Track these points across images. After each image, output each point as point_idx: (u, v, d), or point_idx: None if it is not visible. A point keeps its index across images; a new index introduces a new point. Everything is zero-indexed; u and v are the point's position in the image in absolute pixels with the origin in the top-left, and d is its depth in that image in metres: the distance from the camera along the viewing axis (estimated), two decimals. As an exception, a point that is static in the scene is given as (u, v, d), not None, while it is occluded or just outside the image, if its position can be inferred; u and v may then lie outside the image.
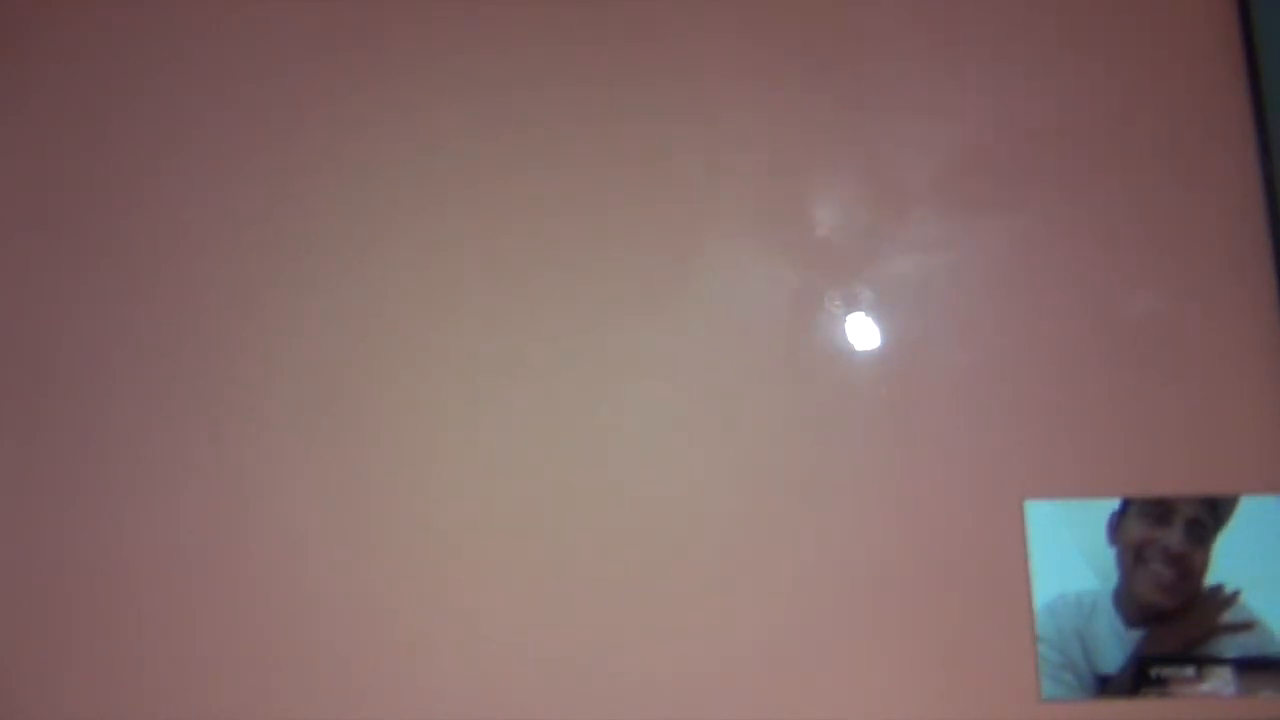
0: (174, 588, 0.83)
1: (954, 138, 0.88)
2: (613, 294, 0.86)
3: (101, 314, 0.88)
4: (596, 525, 0.83)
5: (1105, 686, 0.79)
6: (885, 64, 0.89)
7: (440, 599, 0.82)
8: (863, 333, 0.85)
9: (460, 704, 0.81)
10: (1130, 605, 0.80)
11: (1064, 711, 0.79)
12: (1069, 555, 0.80)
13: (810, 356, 0.85)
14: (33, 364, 0.88)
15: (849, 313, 0.86)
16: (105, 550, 0.84)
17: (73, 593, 0.84)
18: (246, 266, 0.88)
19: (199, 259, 0.89)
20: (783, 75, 0.89)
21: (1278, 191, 0.84)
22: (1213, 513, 0.80)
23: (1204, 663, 0.79)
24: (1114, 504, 0.81)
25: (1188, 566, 0.80)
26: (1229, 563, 0.80)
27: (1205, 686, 0.79)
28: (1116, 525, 0.81)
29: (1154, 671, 0.79)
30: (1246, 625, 0.79)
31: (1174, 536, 0.80)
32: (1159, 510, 0.81)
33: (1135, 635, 0.79)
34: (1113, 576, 0.80)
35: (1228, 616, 0.79)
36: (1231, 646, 0.79)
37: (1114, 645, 0.79)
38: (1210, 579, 0.80)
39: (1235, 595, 0.79)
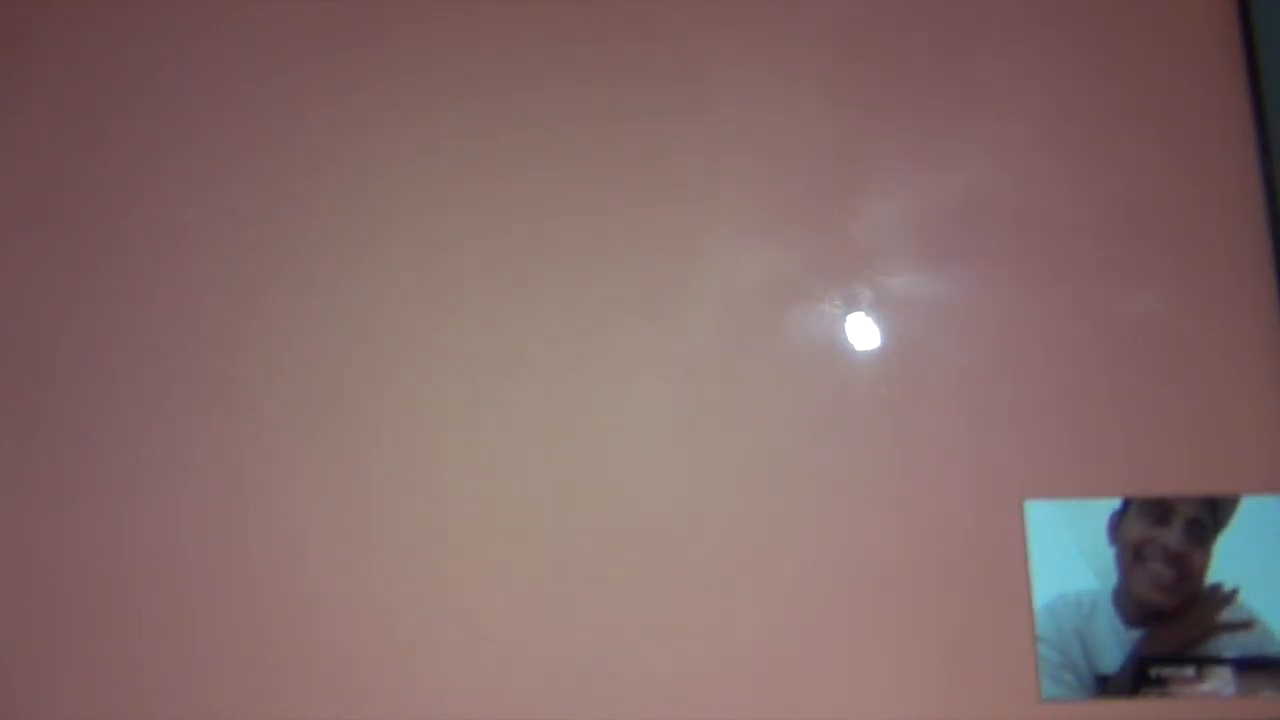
0: (174, 588, 0.83)
1: (954, 138, 0.88)
2: (613, 294, 0.86)
3: (101, 314, 0.88)
4: (596, 525, 0.83)
5: (1105, 686, 0.79)
6: (885, 64, 0.89)
7: (440, 599, 0.82)
8: (863, 333, 0.85)
9: (460, 704, 0.81)
10: (1129, 605, 0.80)
11: (1064, 711, 0.79)
12: (1069, 555, 0.80)
13: (810, 356, 0.85)
14: (33, 364, 0.88)
15: (849, 313, 0.86)
16: (105, 550, 0.84)
17: (73, 593, 0.84)
18: (246, 266, 0.88)
19: (199, 259, 0.89)
20: (782, 75, 0.89)
21: (1278, 191, 0.84)
22: (1213, 513, 0.80)
23: (1204, 663, 0.79)
24: (1114, 504, 0.81)
25: (1187, 566, 0.80)
26: (1229, 563, 0.80)
27: (1205, 686, 0.79)
28: (1117, 525, 0.81)
29: (1154, 671, 0.79)
30: (1245, 624, 0.79)
31: (1173, 536, 0.80)
32: (1159, 510, 0.81)
33: (1135, 635, 0.79)
34: (1112, 576, 0.80)
35: (1226, 615, 0.79)
36: (1231, 646, 0.79)
37: (1114, 645, 0.79)
38: (1210, 579, 0.80)
39: (1234, 594, 0.79)
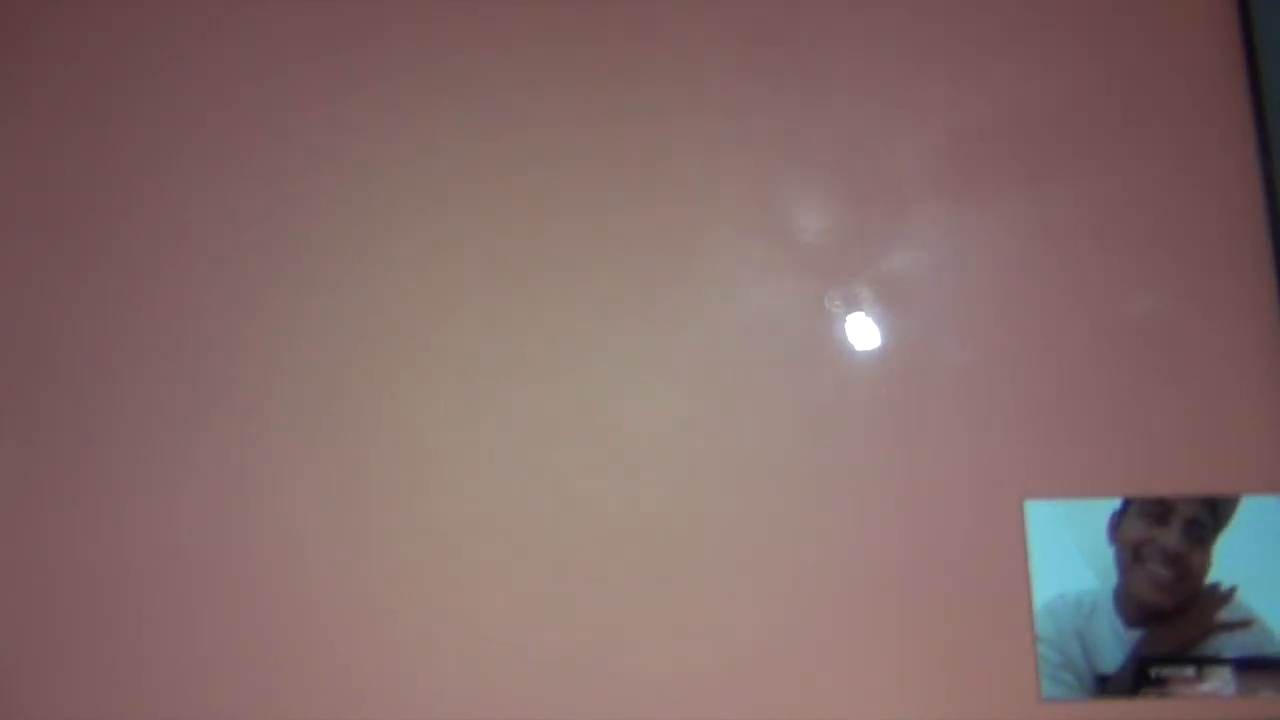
0: (174, 588, 0.83)
1: (954, 138, 0.88)
2: (613, 294, 0.86)
3: (101, 314, 0.88)
4: (596, 525, 0.83)
5: (1105, 686, 0.79)
6: (885, 64, 0.89)
7: (440, 599, 0.82)
8: (863, 333, 0.85)
9: (460, 704, 0.81)
10: (1129, 605, 0.80)
11: (1064, 711, 0.79)
12: (1069, 555, 0.80)
13: (810, 356, 0.85)
14: (33, 364, 0.88)
15: (849, 313, 0.86)
16: (105, 550, 0.84)
17: (73, 593, 0.84)
18: (246, 266, 0.88)
19: (199, 259, 0.89)
20: (783, 75, 0.89)
21: (1278, 191, 0.84)
22: (1213, 513, 0.80)
23: (1203, 663, 0.79)
24: (1114, 504, 0.81)
25: (1185, 567, 0.80)
26: (1229, 563, 0.80)
27: (1205, 686, 0.79)
28: (1117, 525, 0.81)
29: (1154, 671, 0.79)
30: (1244, 623, 0.79)
31: (1172, 537, 0.80)
32: (1158, 510, 0.81)
33: (1135, 635, 0.79)
34: (1112, 576, 0.80)
35: (1225, 614, 0.79)
36: (1231, 646, 0.79)
37: (1114, 645, 0.79)
38: (1210, 579, 0.80)
39: (1231, 592, 0.79)
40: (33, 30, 0.93)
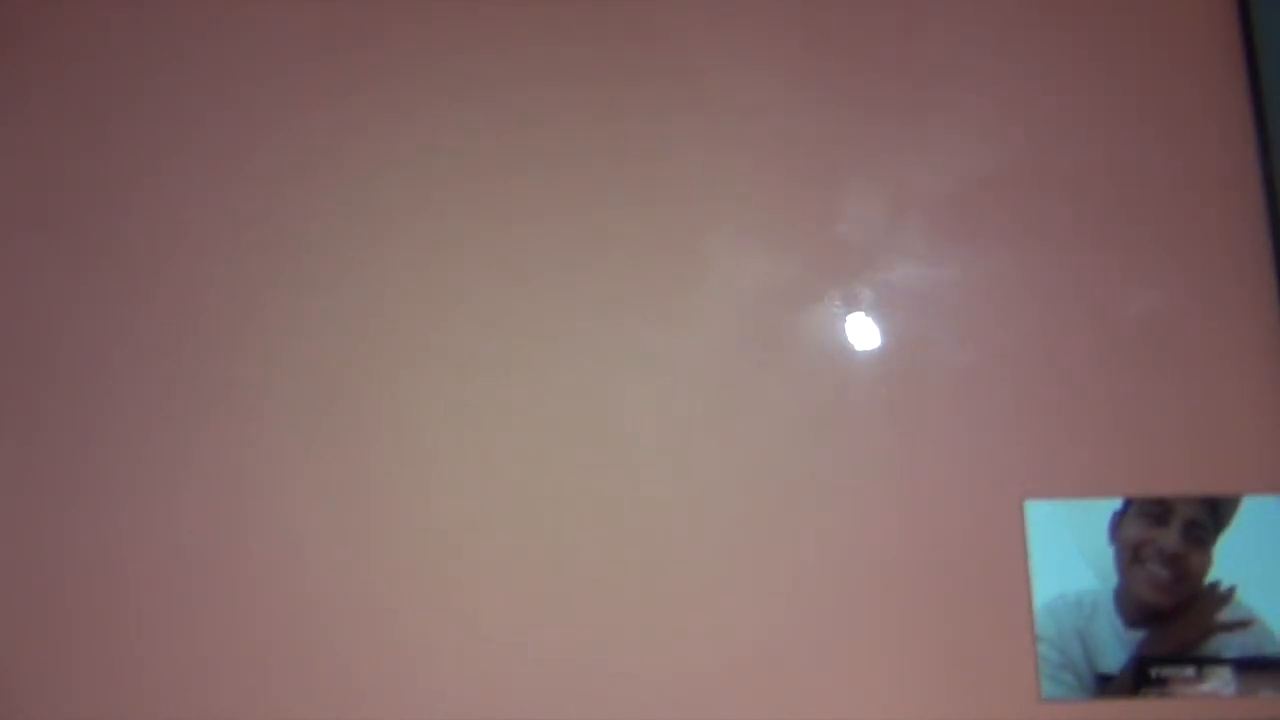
0: (174, 588, 0.83)
1: (955, 138, 0.88)
2: (613, 293, 0.86)
3: (101, 314, 0.88)
4: (596, 525, 0.83)
5: (1105, 686, 0.79)
6: (886, 64, 0.89)
7: (440, 599, 0.82)
8: (863, 333, 0.85)
9: (460, 704, 0.81)
10: (1129, 605, 0.80)
11: (1064, 711, 0.79)
12: (1069, 555, 0.80)
13: (810, 356, 0.85)
14: (33, 364, 0.88)
15: (849, 313, 0.86)
16: (105, 550, 0.84)
17: (73, 593, 0.84)
18: (246, 266, 0.88)
19: (199, 259, 0.89)
20: (783, 74, 0.89)
21: (1278, 191, 0.84)
22: (1213, 514, 0.80)
23: (1204, 663, 0.79)
24: (1114, 504, 0.81)
25: (1184, 568, 0.80)
26: (1229, 563, 0.80)
27: (1205, 686, 0.79)
28: (1118, 524, 0.81)
29: (1154, 671, 0.79)
30: (1244, 623, 0.79)
31: (1170, 538, 0.80)
32: (1158, 510, 0.81)
33: (1135, 635, 0.79)
34: (1112, 576, 0.80)
35: (1225, 614, 0.79)
36: (1231, 646, 0.79)
37: (1114, 645, 0.79)
38: (1210, 579, 0.80)
39: (1230, 591, 0.79)
40: (33, 30, 0.93)
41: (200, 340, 0.87)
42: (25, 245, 0.90)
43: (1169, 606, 0.80)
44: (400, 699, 0.81)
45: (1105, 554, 0.80)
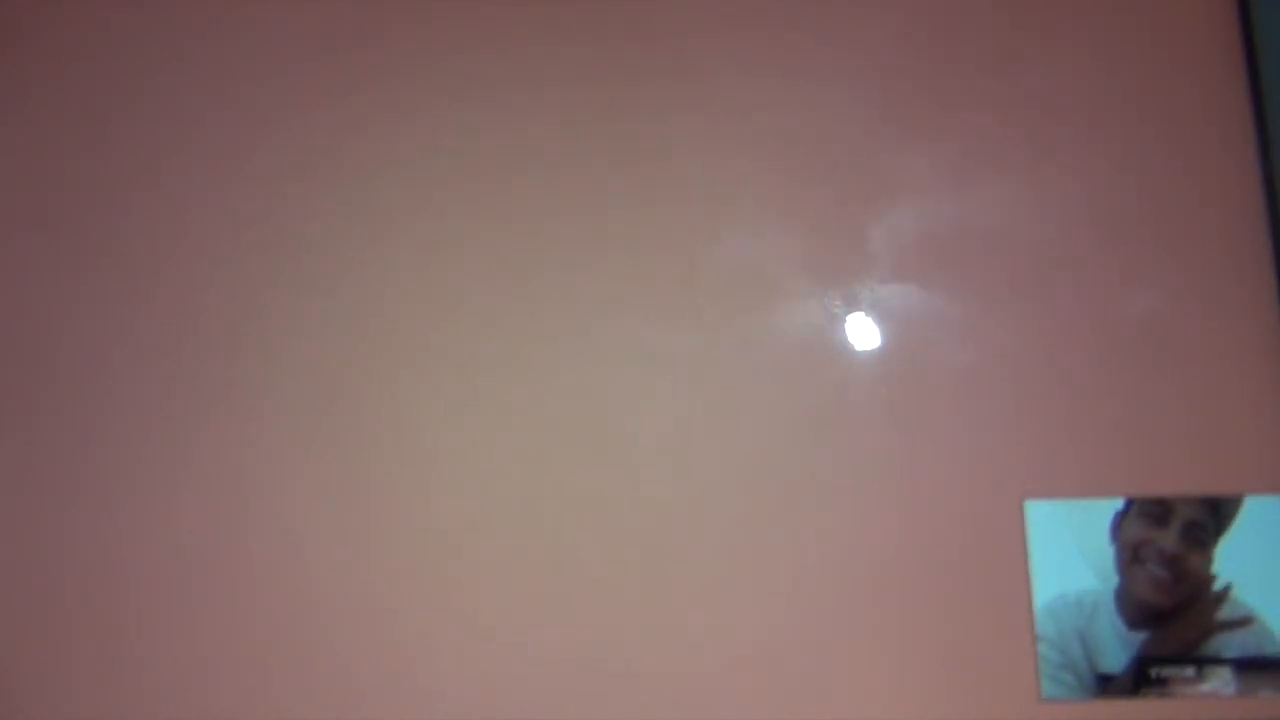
0: (174, 588, 0.83)
1: (955, 138, 0.88)
2: (613, 294, 0.86)
3: (101, 314, 0.88)
4: (596, 525, 0.83)
5: (1105, 686, 0.79)
6: (885, 64, 0.89)
7: (440, 599, 0.82)
8: (863, 333, 0.85)
9: (460, 704, 0.81)
10: (1129, 605, 0.80)
11: (1064, 711, 0.79)
12: (1069, 555, 0.80)
13: (810, 356, 0.85)
14: (33, 364, 0.88)
15: (849, 313, 0.86)
16: (105, 550, 0.84)
17: (73, 593, 0.84)
18: (246, 266, 0.88)
19: (199, 259, 0.89)
20: (783, 75, 0.89)
21: (1278, 191, 0.84)
22: (1214, 515, 0.80)
23: (1204, 663, 0.79)
24: (1114, 504, 0.81)
25: (1183, 568, 0.80)
26: (1230, 563, 0.80)
27: (1205, 686, 0.79)
28: (1118, 525, 0.81)
29: (1154, 671, 0.79)
30: (1243, 621, 0.79)
31: (1170, 538, 0.80)
32: (1158, 511, 0.81)
33: (1136, 636, 0.79)
34: (1112, 577, 0.80)
35: (1224, 613, 0.79)
36: (1231, 646, 0.79)
37: (1114, 645, 0.79)
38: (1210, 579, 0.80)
39: (1227, 590, 0.79)
40: (33, 30, 0.93)
41: (200, 340, 0.87)
42: (25, 245, 0.90)
43: (1169, 607, 0.80)
44: (400, 699, 0.81)
45: (1105, 554, 0.80)
